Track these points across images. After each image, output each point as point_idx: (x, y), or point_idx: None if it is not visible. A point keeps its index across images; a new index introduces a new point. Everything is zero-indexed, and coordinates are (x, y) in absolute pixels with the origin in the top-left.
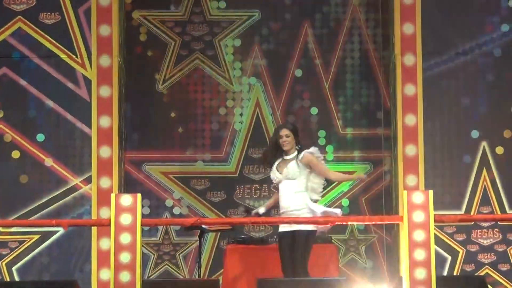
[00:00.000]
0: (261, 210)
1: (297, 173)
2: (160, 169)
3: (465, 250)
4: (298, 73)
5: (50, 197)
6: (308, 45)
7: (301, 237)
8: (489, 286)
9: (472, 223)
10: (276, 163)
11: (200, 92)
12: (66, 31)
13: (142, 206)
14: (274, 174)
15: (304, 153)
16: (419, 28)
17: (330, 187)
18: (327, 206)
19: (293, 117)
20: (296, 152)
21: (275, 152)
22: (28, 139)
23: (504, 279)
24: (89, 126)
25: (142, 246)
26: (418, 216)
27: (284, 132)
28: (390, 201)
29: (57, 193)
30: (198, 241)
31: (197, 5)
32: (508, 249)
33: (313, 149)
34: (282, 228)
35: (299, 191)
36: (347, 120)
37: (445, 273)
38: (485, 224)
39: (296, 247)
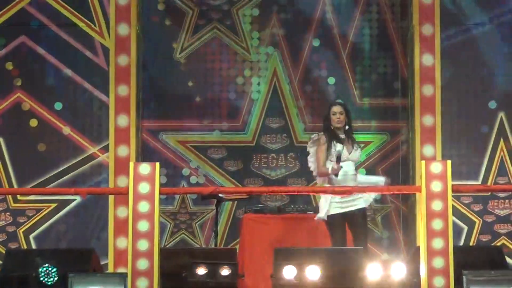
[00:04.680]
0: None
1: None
2: (177, 138)
3: (481, 220)
4: (316, 42)
5: (67, 165)
6: (326, 15)
7: (360, 215)
8: (505, 256)
9: (489, 193)
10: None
11: (218, 62)
12: None
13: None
14: (341, 150)
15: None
16: None
17: None
18: None
19: (310, 87)
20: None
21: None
22: (46, 108)
23: None
24: (107, 94)
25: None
26: (436, 186)
27: (338, 109)
28: (407, 171)
29: (75, 161)
30: (214, 210)
31: None
32: None
33: None
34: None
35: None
36: (364, 90)
37: (461, 243)
38: (501, 195)
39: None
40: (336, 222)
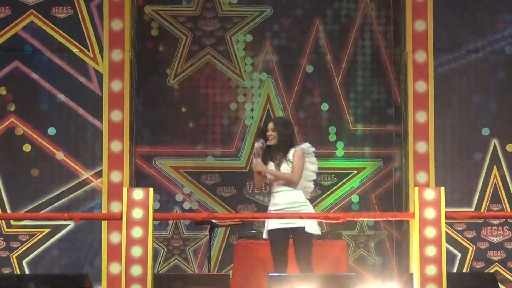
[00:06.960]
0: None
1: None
2: (171, 163)
3: (475, 247)
4: (309, 69)
5: (61, 190)
6: (319, 41)
7: (305, 235)
8: (499, 283)
9: (482, 220)
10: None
11: (211, 87)
12: (78, 25)
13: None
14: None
15: (296, 149)
16: (431, 25)
17: (340, 183)
18: (337, 203)
19: (303, 113)
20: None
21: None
22: (39, 133)
23: None
24: (101, 120)
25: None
26: (429, 213)
27: (270, 126)
28: (400, 198)
29: (68, 186)
30: (208, 236)
31: (208, 0)
32: None
33: (305, 144)
34: (277, 224)
35: (295, 189)
36: (357, 116)
37: (454, 270)
38: (495, 222)
39: (301, 245)
40: (275, 237)
